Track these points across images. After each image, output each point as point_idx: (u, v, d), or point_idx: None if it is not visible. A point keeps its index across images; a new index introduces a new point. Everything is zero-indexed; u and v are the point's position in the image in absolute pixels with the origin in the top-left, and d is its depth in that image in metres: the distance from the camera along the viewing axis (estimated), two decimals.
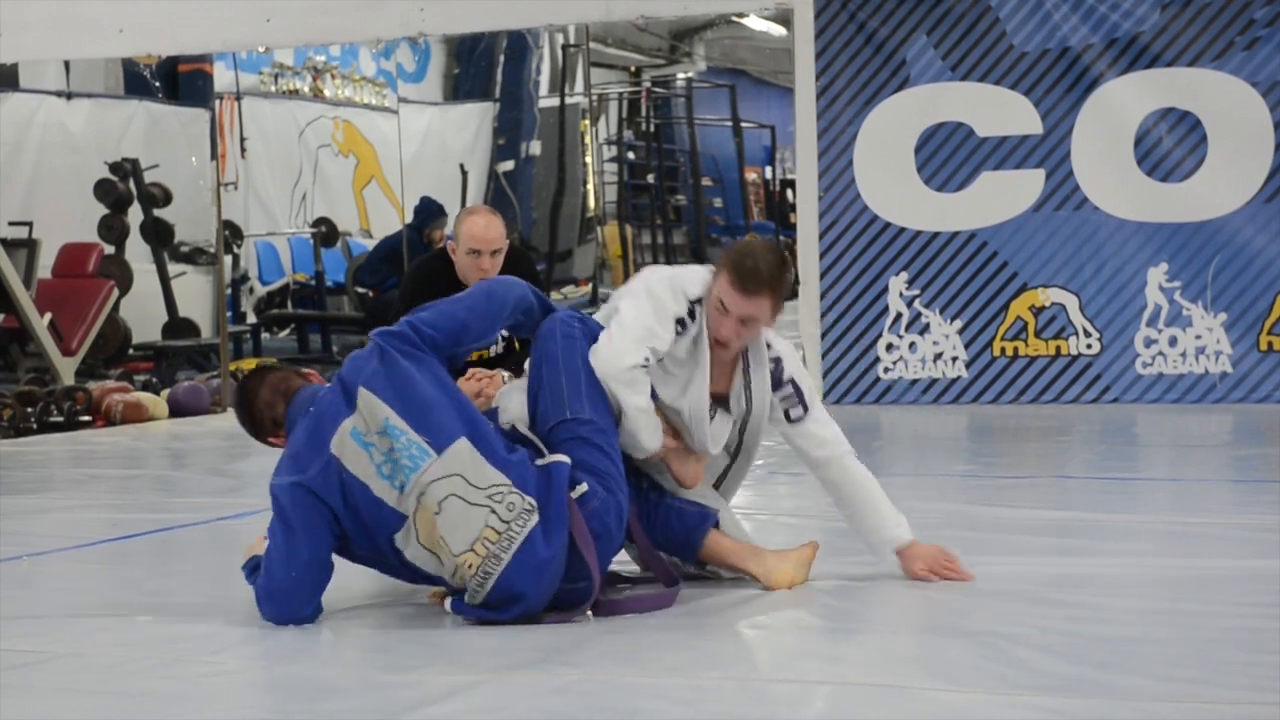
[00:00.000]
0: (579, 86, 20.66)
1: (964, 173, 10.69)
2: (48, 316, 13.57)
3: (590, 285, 19.57)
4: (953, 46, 10.76)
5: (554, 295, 17.89)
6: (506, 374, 7.08)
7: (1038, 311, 10.89)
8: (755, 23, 19.81)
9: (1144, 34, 10.52)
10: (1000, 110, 10.70)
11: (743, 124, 25.57)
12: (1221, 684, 3.76)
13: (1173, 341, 10.68)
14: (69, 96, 16.17)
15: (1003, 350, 10.52)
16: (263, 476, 5.73)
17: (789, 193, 23.09)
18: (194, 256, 15.32)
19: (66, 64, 15.82)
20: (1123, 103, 10.60)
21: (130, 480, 9.48)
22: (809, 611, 4.85)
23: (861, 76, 10.93)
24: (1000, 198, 10.74)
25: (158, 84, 15.64)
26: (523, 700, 3.89)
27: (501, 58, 20.06)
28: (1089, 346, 10.79)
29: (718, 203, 25.24)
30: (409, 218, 14.69)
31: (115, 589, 5.94)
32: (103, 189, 14.81)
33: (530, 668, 4.27)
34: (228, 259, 14.56)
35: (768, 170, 27.25)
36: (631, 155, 22.84)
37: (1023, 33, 10.61)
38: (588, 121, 20.74)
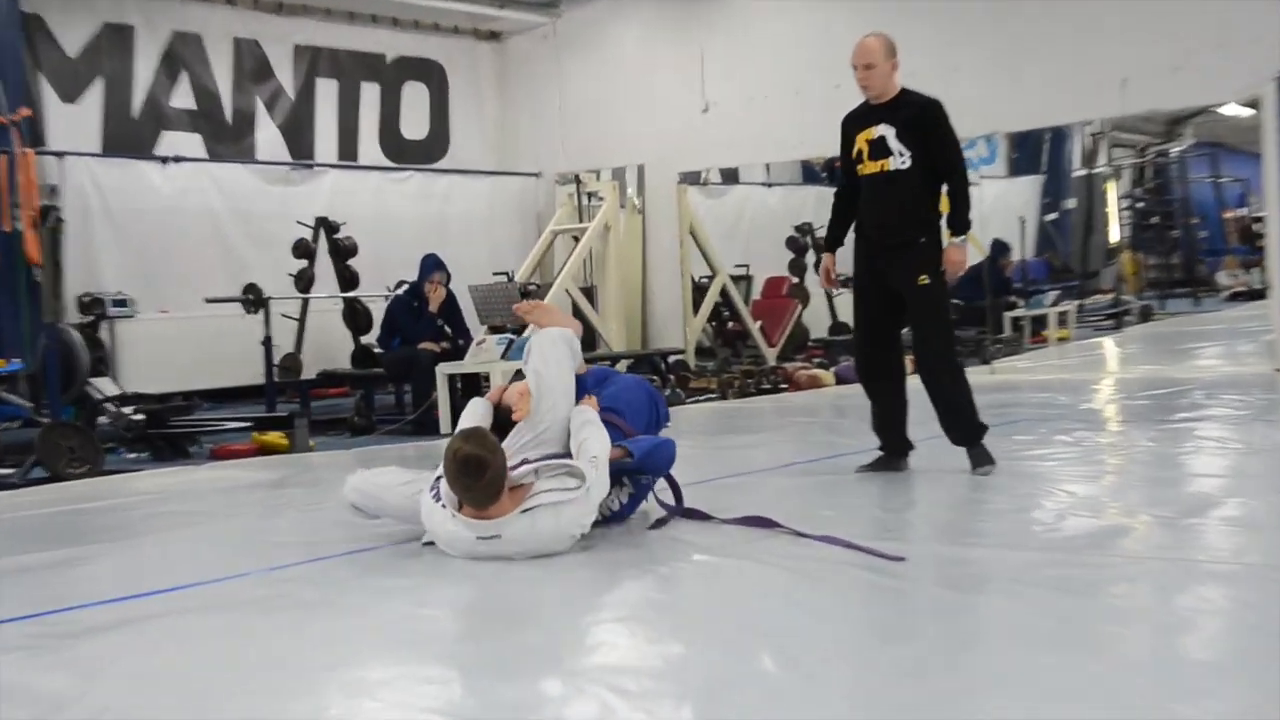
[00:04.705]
0: (1101, 160, 19.80)
1: None
2: (759, 323, 14.75)
3: (1113, 293, 20.57)
4: None
5: (1087, 301, 17.59)
6: None
7: None
8: (1230, 109, 18.99)
9: None
10: None
11: (1221, 179, 26.28)
12: None
13: None
14: (769, 185, 17.38)
15: None
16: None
17: (1253, 226, 21.46)
18: (847, 283, 15.55)
19: (767, 166, 16.80)
20: None
21: (810, 425, 9.49)
22: None
23: None
24: None
25: (824, 173, 17.06)
26: None
27: (1046, 144, 19.42)
28: None
29: (1204, 234, 23.52)
30: (987, 253, 16.04)
31: (792, 497, 6.00)
32: (792, 242, 16.76)
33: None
34: None
35: (1241, 210, 24.99)
36: (1140, 205, 21.87)
37: None
38: (1110, 184, 19.90)
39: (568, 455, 5.12)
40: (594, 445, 5.05)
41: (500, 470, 4.72)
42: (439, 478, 4.94)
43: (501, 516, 4.75)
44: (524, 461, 5.00)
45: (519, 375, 6.46)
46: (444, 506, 4.85)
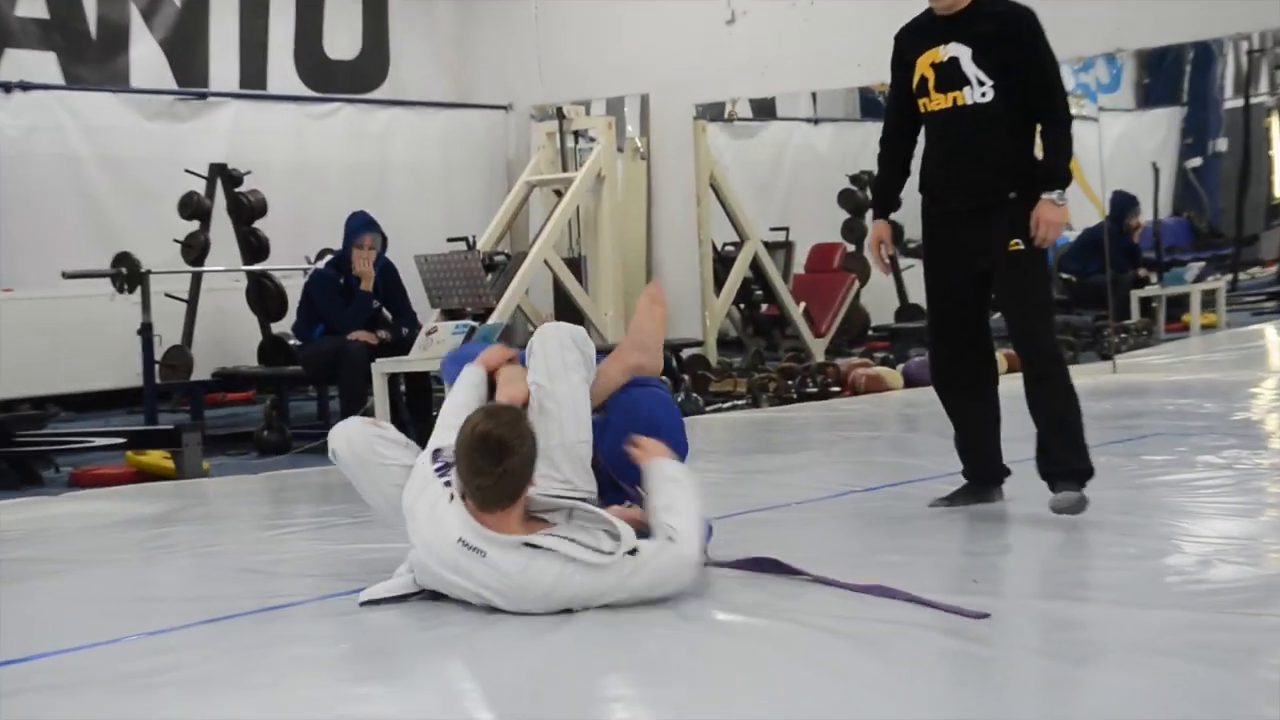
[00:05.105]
0: (1263, 87, 19.53)
1: None
2: (802, 305, 14.86)
3: (1276, 266, 19.79)
4: None
5: (1242, 276, 17.47)
6: None
7: None
8: None
9: None
10: None
11: None
12: None
13: None
14: (816, 122, 17.48)
15: None
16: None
17: None
18: (916, 252, 15.76)
19: (814, 95, 16.88)
20: None
21: (871, 442, 9.73)
22: None
23: None
24: None
25: None
26: None
27: (1188, 67, 19.21)
28: None
29: None
30: (1107, 211, 15.69)
31: (845, 538, 6.11)
32: (846, 197, 16.34)
33: None
34: None
35: None
36: None
37: None
38: (1273, 119, 19.66)
39: (587, 497, 5.20)
40: (683, 518, 4.96)
41: (525, 465, 4.85)
42: (438, 450, 5.10)
43: (500, 533, 4.81)
44: (555, 496, 5.09)
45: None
46: (448, 484, 4.96)
